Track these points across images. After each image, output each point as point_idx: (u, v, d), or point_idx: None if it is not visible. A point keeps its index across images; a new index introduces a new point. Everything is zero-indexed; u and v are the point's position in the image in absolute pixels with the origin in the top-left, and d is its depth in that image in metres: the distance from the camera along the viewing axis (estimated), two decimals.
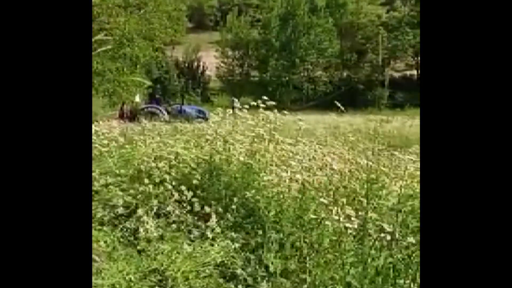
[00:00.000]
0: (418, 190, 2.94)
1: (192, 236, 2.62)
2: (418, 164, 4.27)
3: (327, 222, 2.62)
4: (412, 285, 2.12)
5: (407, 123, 15.38)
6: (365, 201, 2.84)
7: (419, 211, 2.58)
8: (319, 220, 2.67)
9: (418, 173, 3.68)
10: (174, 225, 2.62)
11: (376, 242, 2.37)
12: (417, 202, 2.71)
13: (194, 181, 3.15)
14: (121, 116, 16.67)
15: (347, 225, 2.53)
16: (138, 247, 2.47)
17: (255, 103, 3.92)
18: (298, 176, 3.17)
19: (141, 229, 2.58)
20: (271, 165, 3.68)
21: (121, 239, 2.58)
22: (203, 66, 43.30)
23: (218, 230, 2.68)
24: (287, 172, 3.27)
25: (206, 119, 14.30)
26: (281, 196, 3.00)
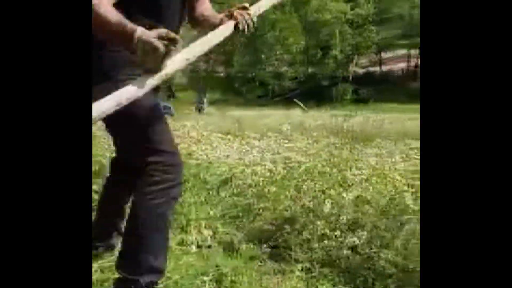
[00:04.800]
0: (378, 182, 3.01)
1: None
2: (379, 157, 4.36)
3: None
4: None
5: (371, 118, 15.59)
6: (329, 192, 2.90)
7: (377, 203, 2.65)
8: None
9: (379, 165, 3.77)
10: None
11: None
12: (375, 195, 2.77)
13: None
14: None
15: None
16: None
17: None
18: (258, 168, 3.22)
19: None
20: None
21: None
22: None
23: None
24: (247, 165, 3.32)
25: (171, 114, 14.18)
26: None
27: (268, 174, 3.34)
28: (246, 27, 1.93)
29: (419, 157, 4.25)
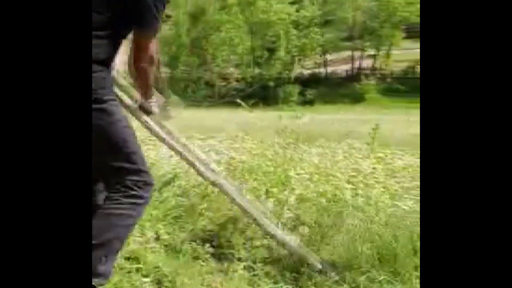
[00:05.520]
0: (318, 181, 3.06)
1: None
2: (321, 157, 4.44)
3: None
4: None
5: (316, 119, 15.86)
6: (273, 190, 2.92)
7: (315, 202, 2.70)
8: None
9: (322, 164, 3.84)
10: None
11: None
12: (308, 193, 2.80)
13: None
14: None
15: None
16: None
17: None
18: None
19: None
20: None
21: None
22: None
23: None
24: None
25: None
26: None
27: None
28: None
29: (360, 156, 4.36)
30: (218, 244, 2.52)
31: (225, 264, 2.33)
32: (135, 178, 1.81)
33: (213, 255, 2.44)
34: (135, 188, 1.80)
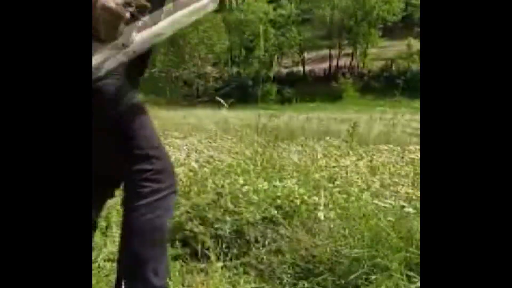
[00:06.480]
0: (297, 179, 3.05)
1: None
2: (301, 155, 4.45)
3: None
4: None
5: (295, 117, 15.94)
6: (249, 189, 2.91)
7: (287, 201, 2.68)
8: None
9: (302, 163, 3.84)
10: None
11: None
12: (284, 193, 2.79)
13: None
14: None
15: None
16: None
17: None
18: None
19: None
20: None
21: None
22: None
23: None
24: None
25: None
26: None
27: (190, 173, 3.30)
28: None
29: (339, 153, 4.38)
30: (197, 244, 2.49)
31: (205, 264, 2.31)
32: (140, 167, 1.52)
33: (192, 254, 2.41)
34: (146, 183, 1.52)
